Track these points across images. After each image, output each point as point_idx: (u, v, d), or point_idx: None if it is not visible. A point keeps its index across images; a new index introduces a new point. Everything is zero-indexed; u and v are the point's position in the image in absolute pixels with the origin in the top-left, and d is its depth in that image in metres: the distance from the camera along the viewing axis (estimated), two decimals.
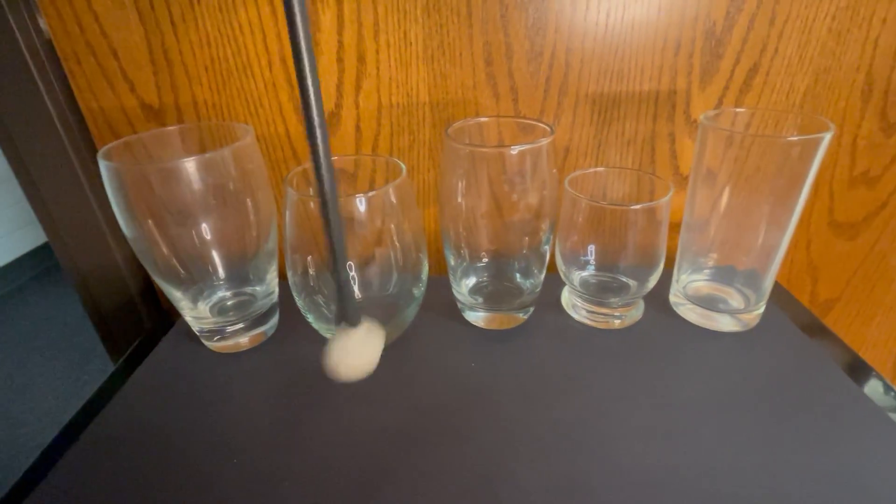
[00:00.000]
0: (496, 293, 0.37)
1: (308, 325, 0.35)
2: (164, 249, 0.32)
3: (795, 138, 0.29)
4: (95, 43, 0.38)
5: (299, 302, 0.34)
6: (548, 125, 0.33)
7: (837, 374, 0.32)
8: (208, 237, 0.32)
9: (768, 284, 0.35)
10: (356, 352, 0.25)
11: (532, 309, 0.38)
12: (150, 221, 0.30)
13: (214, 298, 0.36)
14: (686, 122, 0.42)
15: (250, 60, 0.39)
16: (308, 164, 0.28)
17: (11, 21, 0.37)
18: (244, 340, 0.36)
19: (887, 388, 0.32)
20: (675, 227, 0.45)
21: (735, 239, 0.35)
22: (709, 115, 0.34)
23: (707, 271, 0.37)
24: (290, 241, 0.32)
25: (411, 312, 0.35)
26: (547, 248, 0.35)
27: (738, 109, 0.35)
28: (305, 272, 0.33)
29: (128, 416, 0.31)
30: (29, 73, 0.39)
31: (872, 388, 0.32)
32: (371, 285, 0.36)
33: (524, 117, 0.41)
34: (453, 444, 0.28)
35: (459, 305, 0.38)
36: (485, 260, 0.37)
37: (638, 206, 0.32)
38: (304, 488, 0.26)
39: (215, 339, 0.36)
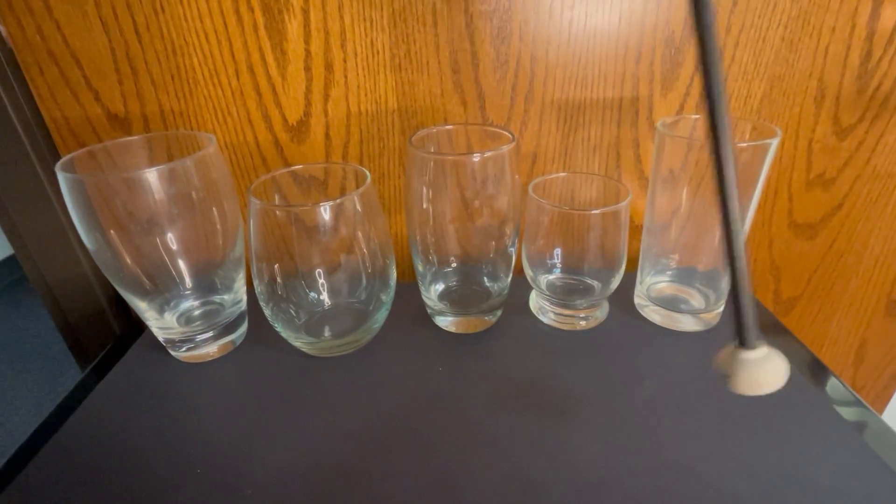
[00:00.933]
0: (465, 297, 0.38)
1: (277, 333, 0.35)
2: (129, 260, 0.31)
3: (744, 144, 0.30)
4: (58, 52, 0.38)
5: (267, 311, 0.34)
6: (510, 132, 0.34)
7: (792, 373, 0.33)
8: (174, 247, 0.32)
9: (726, 284, 0.36)
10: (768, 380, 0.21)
11: (500, 311, 0.39)
12: (112, 232, 0.30)
13: (181, 308, 0.35)
14: (649, 127, 0.43)
15: (217, 69, 0.39)
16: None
17: None
18: (212, 350, 0.36)
19: (842, 385, 0.33)
20: (639, 230, 0.47)
21: (694, 241, 0.36)
22: (666, 121, 0.35)
23: (669, 273, 0.38)
24: (256, 250, 0.32)
25: (381, 317, 0.36)
26: (513, 250, 0.36)
27: (695, 116, 0.37)
28: (273, 281, 0.33)
29: (93, 427, 0.31)
30: None
31: (825, 387, 0.33)
32: (340, 292, 0.36)
33: (490, 124, 0.42)
34: (416, 448, 0.28)
35: (429, 311, 0.39)
36: (453, 265, 0.37)
37: (598, 211, 0.33)
38: (268, 496, 0.26)
39: (183, 349, 0.36)
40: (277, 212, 0.31)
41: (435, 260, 0.36)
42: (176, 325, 0.35)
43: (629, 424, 0.29)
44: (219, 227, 0.34)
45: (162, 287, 0.34)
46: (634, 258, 0.44)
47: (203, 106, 0.40)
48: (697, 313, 0.37)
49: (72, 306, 0.49)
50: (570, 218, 0.34)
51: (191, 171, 0.31)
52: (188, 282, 0.34)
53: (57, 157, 0.42)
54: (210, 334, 0.36)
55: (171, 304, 0.35)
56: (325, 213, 0.30)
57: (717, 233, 0.35)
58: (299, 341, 0.35)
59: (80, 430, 0.31)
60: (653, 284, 0.39)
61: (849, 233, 0.49)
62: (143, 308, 0.34)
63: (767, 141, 0.30)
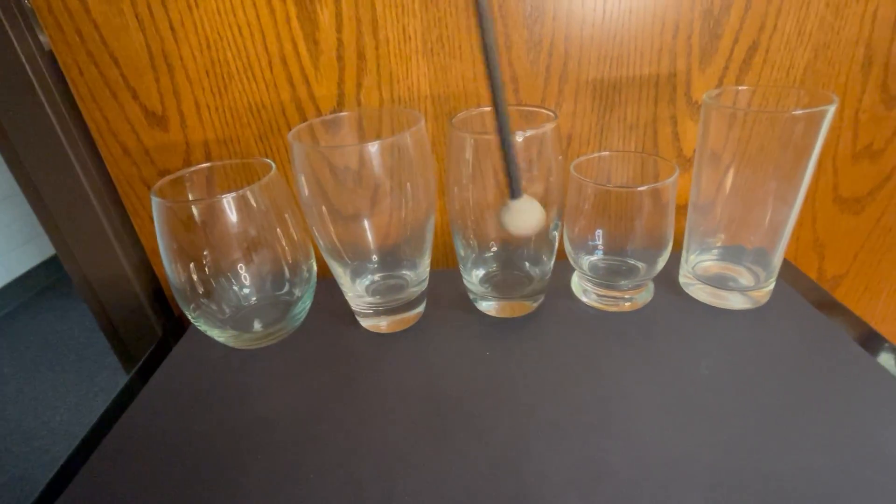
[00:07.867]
0: (506, 282, 0.38)
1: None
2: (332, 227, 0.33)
3: (800, 112, 0.29)
4: (96, 52, 0.38)
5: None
6: (551, 111, 0.33)
7: (851, 346, 0.32)
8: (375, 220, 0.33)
9: (777, 261, 0.35)
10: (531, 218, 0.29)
11: (543, 297, 0.38)
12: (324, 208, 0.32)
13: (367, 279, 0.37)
14: (687, 103, 0.42)
15: (251, 62, 0.39)
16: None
17: (10, 34, 0.37)
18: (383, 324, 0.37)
19: None
20: (679, 209, 0.46)
21: (742, 217, 0.35)
22: (711, 94, 0.34)
23: (715, 251, 0.37)
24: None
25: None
26: (555, 234, 0.35)
27: (739, 87, 0.35)
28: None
29: (146, 423, 0.32)
30: (30, 86, 0.39)
31: (886, 359, 0.32)
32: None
33: (526, 105, 0.41)
34: (474, 430, 0.28)
35: (471, 296, 0.38)
36: (494, 249, 0.37)
37: (644, 188, 0.32)
38: (329, 479, 0.26)
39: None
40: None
41: (475, 244, 0.36)
42: (364, 293, 0.37)
43: (693, 405, 0.29)
44: (411, 205, 0.34)
45: (355, 256, 0.35)
46: (676, 237, 0.43)
47: (238, 99, 0.41)
48: (746, 290, 0.36)
49: (112, 304, 0.50)
50: (615, 197, 0.33)
51: (407, 146, 0.31)
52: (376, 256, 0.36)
53: (96, 156, 0.43)
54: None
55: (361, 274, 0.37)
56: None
57: (766, 209, 0.34)
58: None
59: (134, 426, 0.32)
60: (698, 263, 0.38)
61: None
62: (340, 273, 0.35)
63: (824, 108, 0.28)
